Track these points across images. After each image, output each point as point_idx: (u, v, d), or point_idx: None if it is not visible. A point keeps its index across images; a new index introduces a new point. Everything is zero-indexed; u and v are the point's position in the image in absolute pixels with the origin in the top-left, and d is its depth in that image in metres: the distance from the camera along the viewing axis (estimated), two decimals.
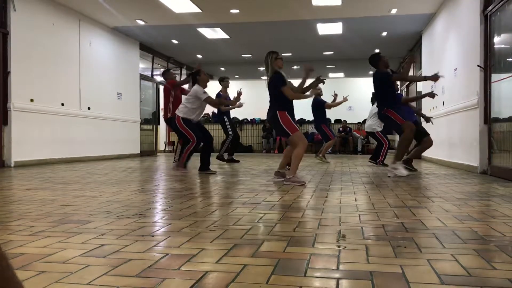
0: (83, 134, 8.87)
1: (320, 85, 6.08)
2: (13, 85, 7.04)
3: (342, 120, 15.20)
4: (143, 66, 12.64)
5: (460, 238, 2.06)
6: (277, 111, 4.54)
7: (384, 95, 5.28)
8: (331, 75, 16.76)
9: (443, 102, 7.76)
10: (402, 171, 4.86)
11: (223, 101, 5.60)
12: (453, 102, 7.08)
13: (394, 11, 8.49)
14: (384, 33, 10.32)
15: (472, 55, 6.10)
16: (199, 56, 13.42)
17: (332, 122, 15.25)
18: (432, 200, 3.36)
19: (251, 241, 2.00)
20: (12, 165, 6.97)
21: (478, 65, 5.80)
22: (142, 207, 3.02)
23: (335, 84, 14.30)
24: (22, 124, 7.20)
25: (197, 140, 5.53)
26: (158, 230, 2.23)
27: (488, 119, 5.71)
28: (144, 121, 12.02)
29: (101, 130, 9.55)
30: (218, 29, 10.17)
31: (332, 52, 12.73)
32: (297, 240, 2.02)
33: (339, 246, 1.90)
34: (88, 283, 1.42)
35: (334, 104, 8.35)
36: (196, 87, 5.58)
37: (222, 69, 15.63)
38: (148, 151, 12.09)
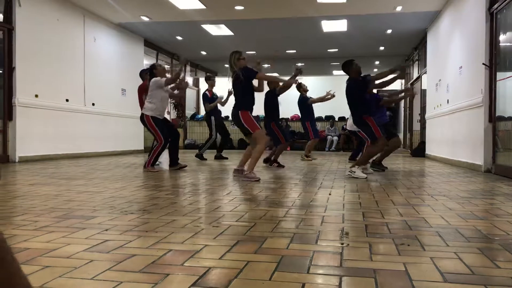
0: (87, 130, 8.89)
1: (308, 83, 6.05)
2: (18, 81, 7.06)
3: (346, 118, 15.16)
4: (147, 62, 12.65)
5: (464, 237, 2.06)
6: (239, 111, 4.72)
7: (358, 102, 5.27)
8: (335, 72, 16.70)
9: (448, 100, 7.72)
10: (361, 174, 4.99)
11: (176, 76, 5.56)
12: (458, 100, 7.04)
13: (399, 8, 8.45)
14: (389, 31, 10.28)
15: (477, 53, 6.06)
16: (203, 52, 13.39)
17: (336, 119, 15.22)
18: (436, 198, 3.35)
19: (255, 237, 2.00)
20: (17, 160, 7.01)
21: (483, 63, 5.77)
22: (146, 203, 3.03)
23: (339, 82, 14.23)
24: (26, 120, 7.22)
25: (164, 140, 5.63)
26: (161, 226, 2.23)
27: (493, 118, 5.68)
28: None
29: (105, 126, 9.57)
30: (222, 25, 10.15)
31: (336, 49, 12.68)
32: (300, 237, 2.02)
33: (342, 244, 1.90)
34: (91, 278, 1.43)
35: (318, 99, 8.27)
36: (153, 79, 5.59)
37: (226, 66, 15.60)
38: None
